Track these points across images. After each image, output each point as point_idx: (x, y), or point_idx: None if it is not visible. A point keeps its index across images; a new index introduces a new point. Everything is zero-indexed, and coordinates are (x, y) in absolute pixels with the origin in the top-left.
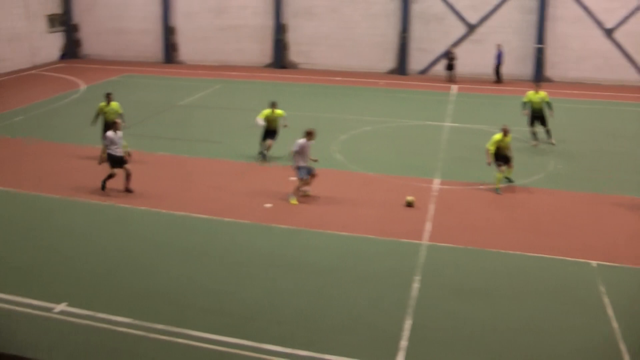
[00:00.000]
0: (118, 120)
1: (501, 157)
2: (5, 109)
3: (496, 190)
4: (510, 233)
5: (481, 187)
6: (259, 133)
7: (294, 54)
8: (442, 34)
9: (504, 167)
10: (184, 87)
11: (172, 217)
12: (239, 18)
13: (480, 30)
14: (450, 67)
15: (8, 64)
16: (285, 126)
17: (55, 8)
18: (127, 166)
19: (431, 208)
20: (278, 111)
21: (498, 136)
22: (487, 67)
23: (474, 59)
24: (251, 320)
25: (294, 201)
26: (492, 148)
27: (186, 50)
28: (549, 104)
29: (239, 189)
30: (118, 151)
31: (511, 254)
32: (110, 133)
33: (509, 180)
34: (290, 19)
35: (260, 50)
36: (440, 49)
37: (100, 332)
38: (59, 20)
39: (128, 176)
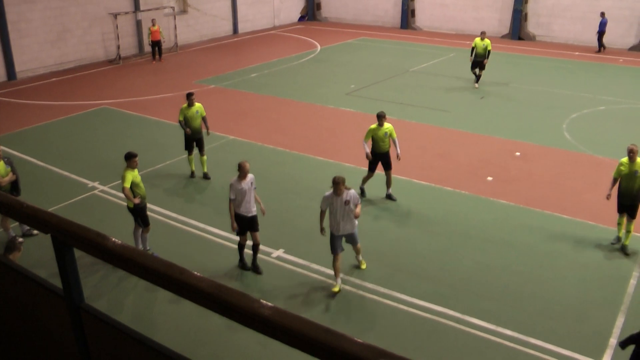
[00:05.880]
0: (245, 164)
1: (627, 198)
2: (243, 66)
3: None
4: None
5: None
6: (484, 105)
7: (533, 26)
8: None
9: (623, 218)
10: (418, 53)
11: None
12: None
13: None
14: None
15: (250, 24)
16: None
17: None
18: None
19: None
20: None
21: (624, 160)
22: None
23: None
24: (459, 291)
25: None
26: (616, 176)
27: (423, 16)
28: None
29: (462, 160)
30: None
31: None
32: (234, 180)
33: (624, 250)
34: None
35: (499, 21)
36: None
37: (313, 280)
38: None
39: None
